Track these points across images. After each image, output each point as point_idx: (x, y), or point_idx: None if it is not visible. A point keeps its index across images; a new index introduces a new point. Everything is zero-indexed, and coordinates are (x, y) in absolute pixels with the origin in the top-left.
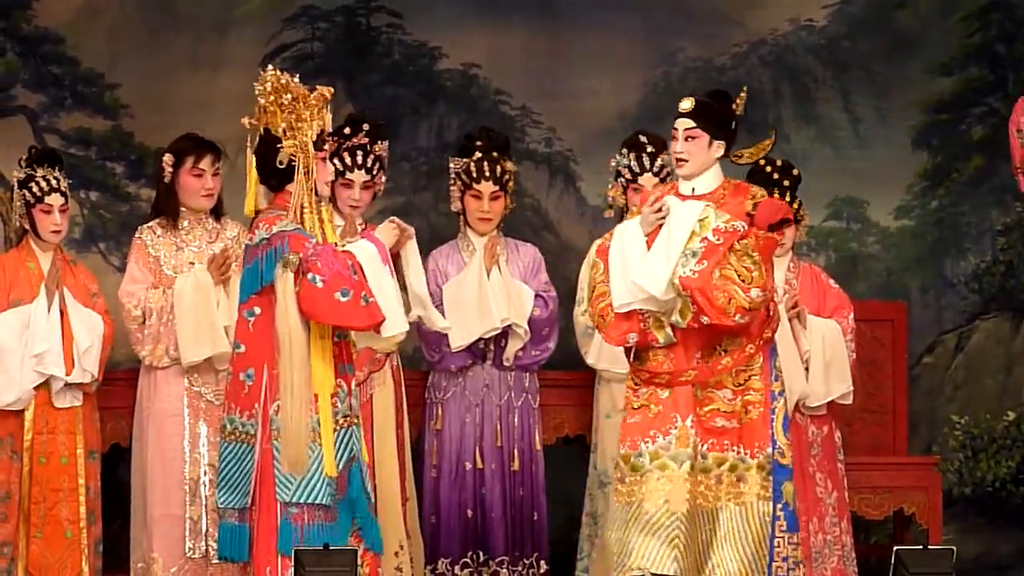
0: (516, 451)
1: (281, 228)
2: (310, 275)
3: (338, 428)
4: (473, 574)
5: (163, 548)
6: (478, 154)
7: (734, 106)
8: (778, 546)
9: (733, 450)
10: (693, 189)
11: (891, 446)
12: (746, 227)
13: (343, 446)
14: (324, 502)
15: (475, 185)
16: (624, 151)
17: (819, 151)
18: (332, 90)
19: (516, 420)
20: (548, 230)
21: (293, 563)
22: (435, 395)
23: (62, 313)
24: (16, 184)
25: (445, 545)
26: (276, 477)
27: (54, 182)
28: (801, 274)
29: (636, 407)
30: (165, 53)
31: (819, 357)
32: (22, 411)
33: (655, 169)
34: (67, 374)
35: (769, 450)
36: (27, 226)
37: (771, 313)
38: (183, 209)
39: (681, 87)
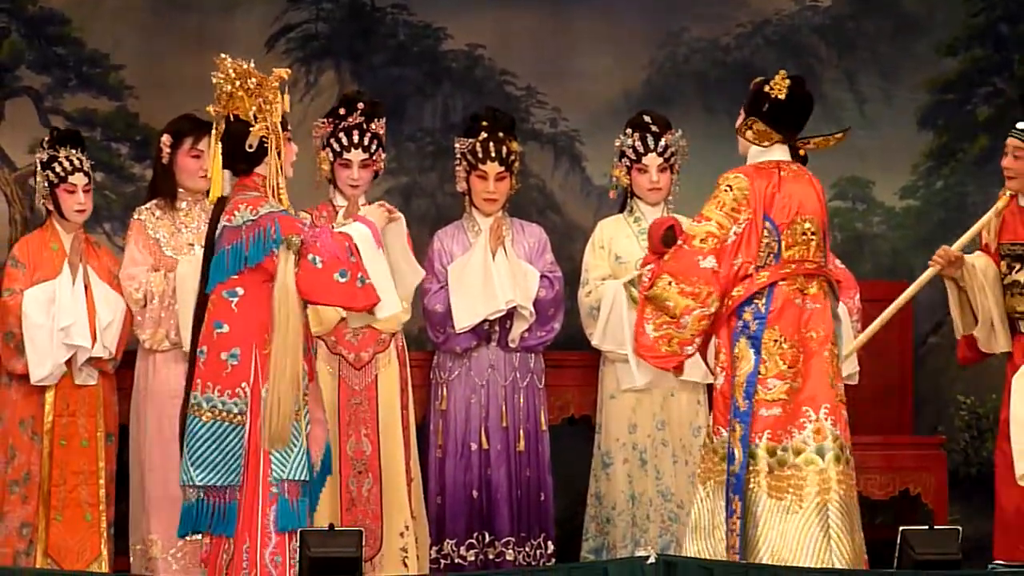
0: (522, 432)
1: (269, 209)
2: (309, 256)
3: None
4: (479, 555)
5: (162, 530)
6: (483, 135)
7: (766, 88)
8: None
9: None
10: None
11: (897, 426)
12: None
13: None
14: (308, 478)
15: (480, 166)
16: (629, 131)
17: (824, 131)
18: (289, 71)
19: (522, 401)
20: (553, 210)
21: (298, 542)
22: (440, 375)
23: (86, 288)
24: (39, 165)
25: (451, 526)
26: (272, 456)
27: (77, 162)
28: None
29: None
30: (170, 34)
31: None
32: (43, 393)
33: (659, 149)
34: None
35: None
36: (51, 207)
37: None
38: (181, 190)
39: (686, 67)
